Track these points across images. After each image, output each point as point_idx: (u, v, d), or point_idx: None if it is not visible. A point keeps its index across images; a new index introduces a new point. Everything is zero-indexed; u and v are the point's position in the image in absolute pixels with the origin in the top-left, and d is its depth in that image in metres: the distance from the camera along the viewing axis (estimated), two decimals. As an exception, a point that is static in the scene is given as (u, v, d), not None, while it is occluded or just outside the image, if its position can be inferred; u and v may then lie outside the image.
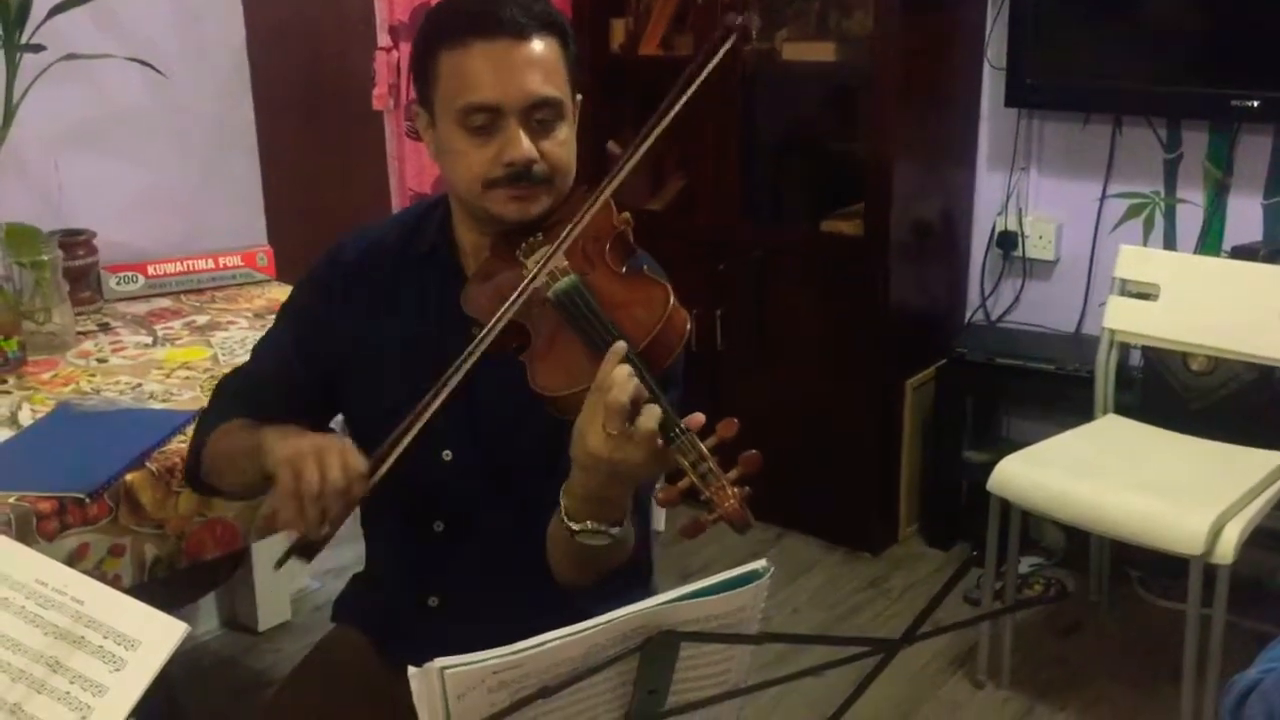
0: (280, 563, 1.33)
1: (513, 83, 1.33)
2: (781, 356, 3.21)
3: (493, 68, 1.33)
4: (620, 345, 1.18)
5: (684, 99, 1.31)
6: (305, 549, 1.31)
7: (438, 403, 1.29)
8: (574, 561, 1.30)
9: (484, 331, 1.28)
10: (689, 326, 1.26)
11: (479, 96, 1.33)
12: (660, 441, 1.15)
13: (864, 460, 3.16)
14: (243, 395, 1.56)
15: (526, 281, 1.28)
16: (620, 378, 1.15)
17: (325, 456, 1.26)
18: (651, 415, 1.15)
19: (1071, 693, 2.62)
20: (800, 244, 3.21)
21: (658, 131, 1.32)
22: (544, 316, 1.29)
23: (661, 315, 1.23)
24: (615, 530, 1.24)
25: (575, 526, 1.24)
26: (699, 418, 1.16)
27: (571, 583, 1.34)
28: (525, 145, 1.34)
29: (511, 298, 1.27)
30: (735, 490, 1.11)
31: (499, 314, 1.27)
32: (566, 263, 1.31)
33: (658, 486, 1.21)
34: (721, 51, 1.30)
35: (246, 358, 1.71)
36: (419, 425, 1.29)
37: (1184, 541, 2.22)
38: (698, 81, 1.31)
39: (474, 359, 1.28)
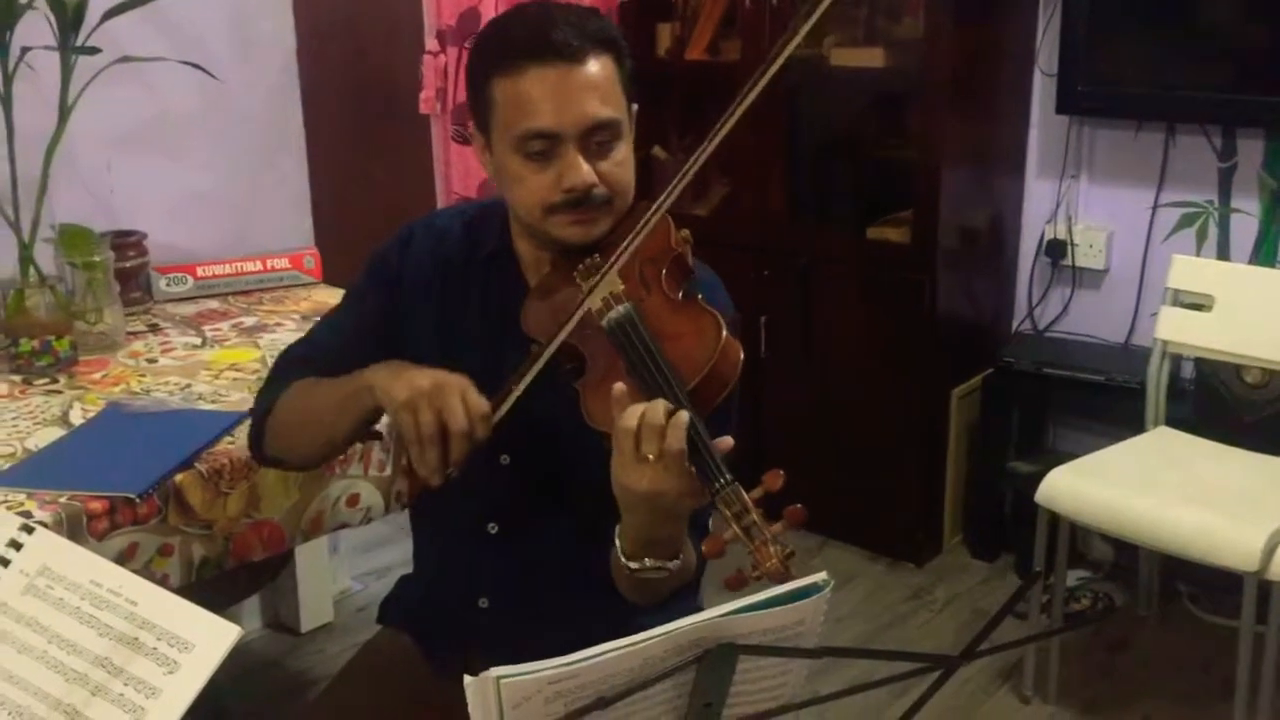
0: (407, 503, 1.31)
1: (569, 108, 1.31)
2: (826, 364, 3.18)
3: (548, 94, 1.31)
4: (619, 387, 1.18)
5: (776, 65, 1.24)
6: (429, 490, 1.29)
7: (554, 347, 1.27)
8: (636, 591, 1.30)
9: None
10: (741, 359, 1.24)
11: (535, 124, 1.31)
12: (693, 468, 1.15)
13: (908, 470, 3.13)
14: (309, 363, 1.52)
15: (577, 311, 1.27)
16: (650, 405, 1.15)
17: (446, 398, 1.24)
18: (676, 435, 1.13)
19: (1119, 709, 2.58)
20: (846, 251, 3.18)
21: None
22: (598, 344, 1.28)
23: (714, 351, 1.22)
24: (672, 564, 1.24)
25: (633, 566, 1.24)
26: (728, 441, 1.16)
27: (635, 603, 1.33)
28: (584, 170, 1.33)
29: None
30: (777, 549, 1.10)
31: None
32: (623, 287, 1.30)
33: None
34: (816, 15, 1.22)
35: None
36: (534, 371, 1.28)
37: (1238, 557, 2.18)
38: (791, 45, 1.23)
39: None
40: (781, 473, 1.13)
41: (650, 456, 1.14)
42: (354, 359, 1.43)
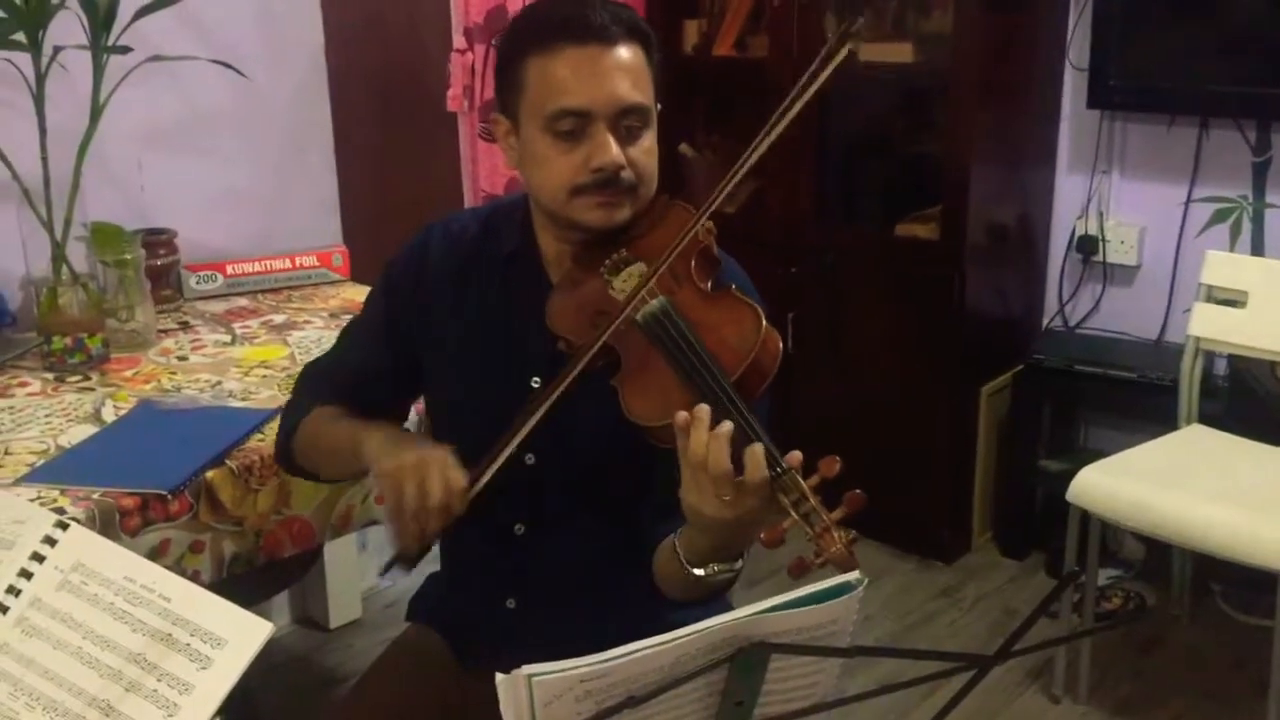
0: (384, 571, 1.36)
1: (603, 88, 1.32)
2: (854, 361, 3.17)
3: (583, 73, 1.32)
4: (703, 409, 1.15)
5: (794, 111, 1.29)
6: (407, 560, 1.32)
7: (534, 420, 1.29)
8: (690, 592, 1.29)
9: (568, 373, 1.28)
10: (782, 348, 1.23)
11: (569, 101, 1.32)
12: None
13: (937, 467, 3.11)
14: (333, 378, 1.56)
15: (615, 319, 1.27)
16: (713, 447, 1.13)
17: (427, 473, 1.27)
18: (758, 464, 1.12)
19: (1151, 709, 2.56)
20: (874, 247, 3.17)
21: (759, 151, 1.30)
22: (632, 339, 1.27)
23: (755, 341, 1.21)
24: (738, 564, 1.24)
25: (700, 573, 1.24)
26: (798, 456, 1.14)
27: (679, 600, 1.33)
28: (615, 150, 1.33)
29: (598, 333, 1.27)
30: (841, 534, 1.09)
31: (581, 355, 1.27)
32: (653, 281, 1.29)
33: None
34: (837, 60, 1.26)
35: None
36: (514, 444, 1.30)
37: (1271, 556, 2.16)
38: (808, 94, 1.28)
39: (571, 380, 1.28)
40: (837, 459, 1.12)
41: (728, 497, 1.14)
42: (372, 368, 1.50)
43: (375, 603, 2.93)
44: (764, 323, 1.23)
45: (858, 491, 1.10)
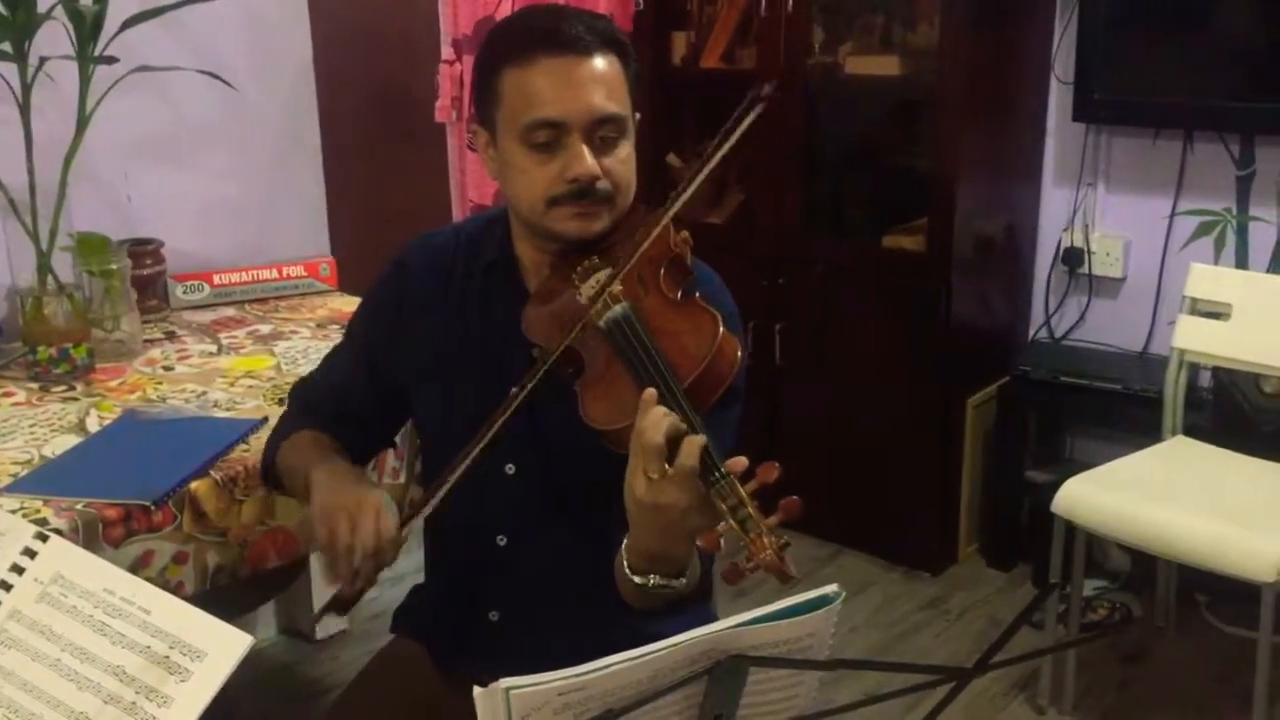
0: (318, 617, 1.37)
1: (578, 99, 1.33)
2: (841, 372, 3.18)
3: (558, 84, 1.32)
4: (650, 393, 1.16)
5: (711, 163, 1.32)
6: (340, 603, 1.34)
7: (476, 451, 1.31)
8: (640, 601, 1.29)
9: (529, 381, 1.29)
10: (740, 355, 1.24)
11: (544, 113, 1.33)
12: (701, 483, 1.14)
13: (924, 479, 3.12)
14: (316, 401, 1.59)
15: (578, 324, 1.28)
16: (653, 419, 1.14)
17: (359, 516, 1.29)
18: (691, 452, 1.12)
19: (1136, 720, 2.57)
20: (861, 259, 3.17)
21: (689, 191, 1.32)
22: (596, 345, 1.28)
23: (710, 347, 1.21)
24: (677, 582, 1.23)
25: (638, 580, 1.23)
26: (741, 461, 1.13)
27: (640, 610, 1.33)
28: (589, 161, 1.34)
29: (563, 338, 1.27)
30: (772, 540, 1.08)
31: (546, 359, 1.28)
32: (620, 288, 1.30)
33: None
34: (749, 120, 1.30)
35: (309, 367, 1.72)
36: (459, 471, 1.31)
37: (1256, 568, 2.17)
38: (724, 148, 1.31)
39: (513, 409, 1.30)
40: (776, 465, 1.12)
41: (654, 475, 1.14)
42: (353, 391, 1.54)
43: (361, 613, 2.92)
44: (721, 329, 1.23)
45: (794, 498, 1.10)
